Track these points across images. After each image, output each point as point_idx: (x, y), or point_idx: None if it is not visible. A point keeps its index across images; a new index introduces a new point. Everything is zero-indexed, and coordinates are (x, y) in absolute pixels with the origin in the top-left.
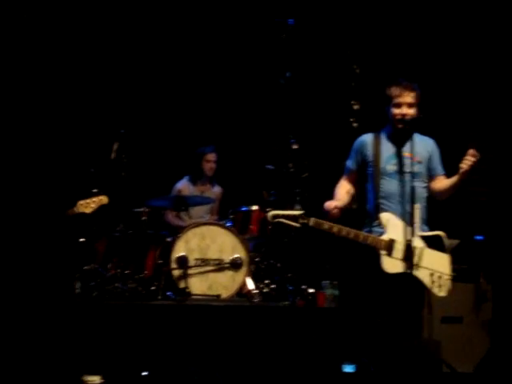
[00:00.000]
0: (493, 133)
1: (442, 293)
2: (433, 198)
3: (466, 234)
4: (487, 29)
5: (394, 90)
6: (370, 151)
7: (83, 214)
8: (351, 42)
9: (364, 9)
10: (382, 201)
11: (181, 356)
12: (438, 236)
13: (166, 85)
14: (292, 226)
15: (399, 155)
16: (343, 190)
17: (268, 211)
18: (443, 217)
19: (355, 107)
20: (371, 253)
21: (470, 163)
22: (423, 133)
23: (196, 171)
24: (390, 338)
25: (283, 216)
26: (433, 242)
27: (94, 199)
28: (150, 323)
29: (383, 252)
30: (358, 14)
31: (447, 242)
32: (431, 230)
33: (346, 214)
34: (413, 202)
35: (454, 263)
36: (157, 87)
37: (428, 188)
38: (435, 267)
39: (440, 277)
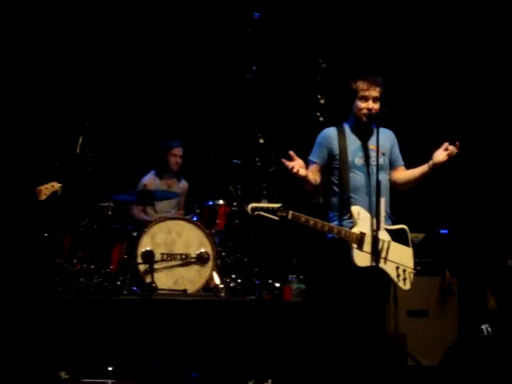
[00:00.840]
0: (457, 125)
1: (406, 286)
2: (393, 189)
3: (431, 227)
4: (450, 21)
5: (361, 84)
6: (335, 145)
7: (37, 201)
8: (317, 36)
9: (330, 2)
10: (351, 194)
11: (147, 351)
12: (402, 229)
13: (131, 78)
14: (271, 218)
15: (365, 148)
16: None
17: (241, 204)
18: (408, 211)
19: (321, 101)
20: (341, 247)
21: (451, 155)
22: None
23: (162, 165)
24: (355, 332)
25: (262, 209)
26: (398, 235)
27: (46, 186)
28: (115, 318)
29: (354, 245)
30: (324, 8)
31: (412, 235)
32: (397, 223)
33: (312, 208)
34: (378, 194)
35: (420, 257)
36: (122, 81)
37: (390, 180)
38: (400, 260)
39: (405, 270)
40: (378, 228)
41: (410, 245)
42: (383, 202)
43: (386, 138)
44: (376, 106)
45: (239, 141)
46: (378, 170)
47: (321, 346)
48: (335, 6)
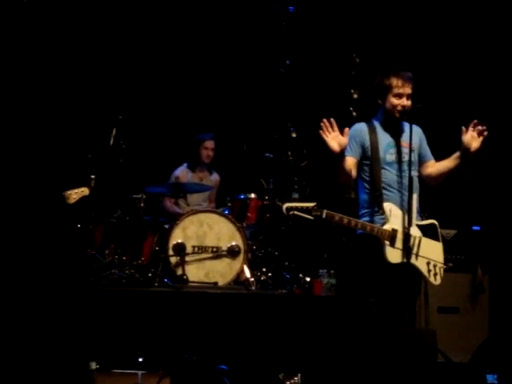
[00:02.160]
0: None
1: (437, 281)
2: (425, 184)
3: (463, 224)
4: (485, 22)
5: (395, 81)
6: (367, 140)
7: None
8: (351, 30)
9: None
10: (383, 191)
11: (177, 342)
12: (433, 224)
13: (166, 71)
14: (306, 218)
15: (397, 145)
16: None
17: (271, 205)
18: (440, 207)
19: (354, 96)
20: (373, 243)
21: (483, 136)
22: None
23: (194, 158)
24: (385, 327)
25: (297, 208)
26: (428, 231)
27: (75, 191)
28: (146, 310)
29: (387, 242)
30: (358, 3)
31: (444, 232)
32: (429, 219)
33: (342, 203)
34: (411, 191)
35: (452, 253)
36: (156, 74)
37: (420, 175)
38: (431, 256)
39: (435, 265)
40: (410, 224)
41: (441, 240)
42: (415, 198)
43: (415, 134)
44: (409, 102)
45: (272, 135)
46: (410, 166)
47: (351, 340)
48: (370, 1)
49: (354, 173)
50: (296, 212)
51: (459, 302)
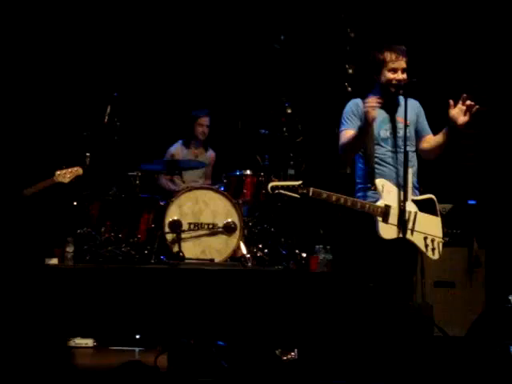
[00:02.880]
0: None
1: (435, 256)
2: (422, 159)
3: (459, 198)
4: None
5: (389, 55)
6: (362, 116)
7: (61, 183)
8: (345, 5)
9: None
10: (376, 166)
11: (173, 319)
12: (430, 199)
13: (159, 48)
14: (291, 196)
15: (392, 120)
16: None
17: (266, 182)
18: (436, 181)
19: (349, 71)
20: (367, 219)
21: (472, 111)
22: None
23: (189, 135)
24: (382, 302)
25: (282, 187)
26: (425, 206)
27: (70, 170)
28: (143, 287)
29: (379, 218)
30: None
31: (440, 206)
32: (424, 194)
33: (337, 179)
34: (406, 166)
35: (447, 228)
36: (150, 51)
37: (417, 150)
38: (428, 231)
39: (433, 240)
40: (406, 199)
41: (439, 214)
42: (410, 173)
43: (411, 109)
44: (404, 76)
45: (267, 111)
46: (405, 141)
47: (347, 316)
48: None
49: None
50: (281, 191)
51: (455, 276)
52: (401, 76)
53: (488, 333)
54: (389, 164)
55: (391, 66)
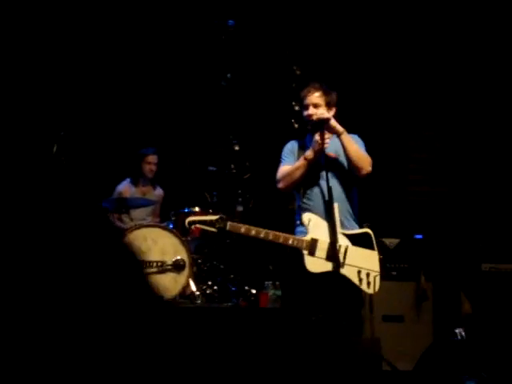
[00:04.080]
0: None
1: (370, 290)
2: (365, 193)
3: (406, 232)
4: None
5: (303, 92)
6: (296, 155)
7: None
8: (291, 42)
9: (303, 10)
10: (305, 201)
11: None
12: (365, 233)
13: (105, 85)
14: (209, 231)
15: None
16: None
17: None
18: (383, 216)
19: (296, 108)
20: (296, 253)
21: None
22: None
23: (137, 173)
24: (329, 337)
25: (200, 222)
26: (360, 240)
27: None
28: None
29: (305, 252)
30: (298, 15)
31: (387, 240)
32: (371, 228)
33: (285, 215)
34: (331, 200)
35: (395, 262)
36: (96, 88)
37: (352, 181)
38: (362, 264)
39: (368, 274)
40: (334, 233)
41: (375, 248)
42: (336, 207)
43: (334, 142)
44: (315, 111)
45: (215, 148)
46: (331, 175)
47: (296, 352)
48: (310, 13)
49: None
50: (198, 225)
51: (404, 310)
52: (310, 111)
53: (436, 366)
54: (317, 198)
55: (304, 102)
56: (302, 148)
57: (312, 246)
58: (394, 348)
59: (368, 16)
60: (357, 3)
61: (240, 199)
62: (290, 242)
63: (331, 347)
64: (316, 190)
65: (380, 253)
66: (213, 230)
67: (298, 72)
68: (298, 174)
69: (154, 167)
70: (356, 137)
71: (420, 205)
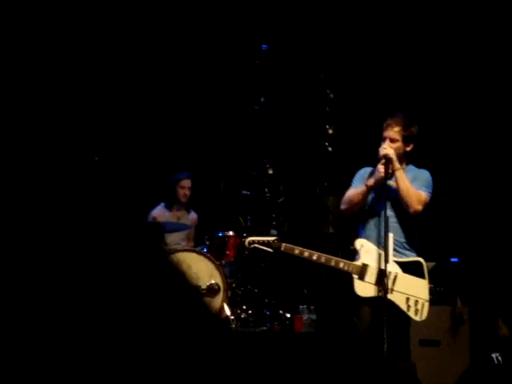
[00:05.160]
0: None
1: (418, 317)
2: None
3: (442, 256)
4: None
5: (384, 122)
6: (365, 181)
7: None
8: (325, 66)
9: (337, 34)
10: (364, 228)
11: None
12: (417, 261)
13: (140, 110)
14: (266, 251)
15: (384, 185)
16: None
17: (245, 237)
18: (419, 240)
19: (329, 131)
20: (346, 277)
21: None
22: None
23: (171, 197)
24: (366, 362)
25: (258, 242)
26: (410, 268)
27: None
28: None
29: (355, 276)
30: (332, 39)
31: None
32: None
33: (320, 239)
34: (386, 230)
35: (431, 286)
36: (132, 113)
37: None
38: (411, 292)
39: (417, 301)
40: (387, 261)
41: (426, 277)
42: (391, 237)
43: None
44: (390, 145)
45: (248, 172)
46: (385, 205)
47: (331, 377)
48: (343, 37)
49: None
50: (256, 245)
51: (440, 334)
52: (384, 145)
53: None
54: (373, 226)
55: (382, 134)
56: (372, 175)
57: (362, 270)
58: (431, 372)
59: (399, 39)
60: (390, 23)
61: (274, 223)
62: (341, 265)
63: (368, 372)
64: (375, 218)
65: (430, 282)
66: (269, 250)
67: (331, 95)
68: (358, 198)
69: (187, 192)
70: (423, 173)
71: (456, 227)
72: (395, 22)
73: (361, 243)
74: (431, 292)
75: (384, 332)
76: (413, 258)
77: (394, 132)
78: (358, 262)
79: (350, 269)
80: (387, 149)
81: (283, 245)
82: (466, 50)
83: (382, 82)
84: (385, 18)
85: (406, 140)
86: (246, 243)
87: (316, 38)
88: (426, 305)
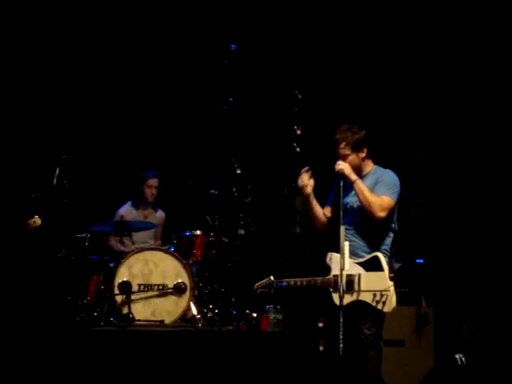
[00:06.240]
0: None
1: (386, 309)
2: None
3: (407, 257)
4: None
5: (332, 138)
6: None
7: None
8: (293, 67)
9: (305, 34)
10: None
11: (124, 382)
12: (374, 257)
13: (107, 109)
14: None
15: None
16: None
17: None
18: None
19: (298, 132)
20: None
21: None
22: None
23: (138, 196)
24: (330, 361)
25: (261, 286)
26: (370, 265)
27: (33, 219)
28: (92, 349)
29: (330, 289)
30: (299, 40)
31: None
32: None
33: (286, 238)
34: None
35: (396, 286)
36: (98, 112)
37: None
38: (375, 287)
39: (381, 294)
40: (343, 267)
41: (384, 268)
42: (347, 244)
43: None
44: (347, 160)
45: (216, 171)
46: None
47: (297, 376)
48: (311, 37)
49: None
50: (261, 289)
51: (405, 334)
52: (337, 163)
53: None
54: (337, 238)
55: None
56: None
57: (335, 282)
58: (395, 372)
59: (371, 36)
60: (356, 23)
61: (241, 223)
62: (319, 282)
63: (331, 370)
64: (339, 229)
65: (391, 271)
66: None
67: (299, 96)
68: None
69: (154, 191)
70: (387, 175)
71: (421, 229)
72: (362, 19)
73: (329, 257)
74: (397, 293)
75: (339, 334)
76: (369, 255)
77: (341, 149)
78: (330, 275)
79: (326, 283)
80: (340, 164)
81: (273, 282)
82: (438, 46)
83: (350, 83)
84: (351, 16)
85: (355, 149)
86: (256, 291)
87: (285, 39)
88: (389, 294)
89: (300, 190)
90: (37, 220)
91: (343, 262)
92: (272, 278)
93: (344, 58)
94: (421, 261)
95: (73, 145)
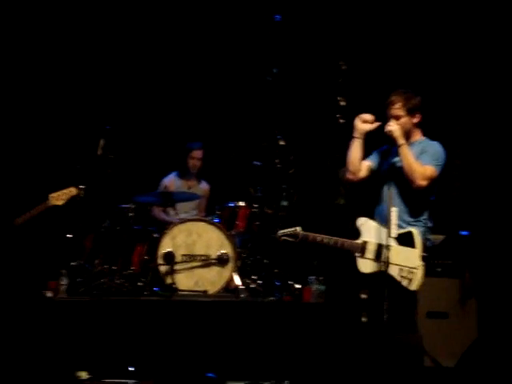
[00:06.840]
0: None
1: (411, 287)
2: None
3: (451, 229)
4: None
5: (386, 100)
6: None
7: (56, 206)
8: (338, 38)
9: (351, 5)
10: (377, 203)
11: (167, 351)
12: (409, 232)
13: (153, 80)
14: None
15: (392, 161)
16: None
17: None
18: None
19: (342, 103)
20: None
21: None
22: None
23: (183, 167)
24: (372, 333)
25: (285, 234)
26: (404, 239)
27: (64, 191)
28: (136, 319)
29: (357, 254)
30: (345, 11)
31: (432, 237)
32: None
33: (330, 210)
34: (390, 205)
35: (440, 258)
36: (144, 83)
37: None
38: (403, 262)
39: (409, 271)
40: (387, 235)
41: (416, 246)
42: (394, 210)
43: (413, 148)
44: (398, 122)
45: (260, 143)
46: (393, 179)
47: (339, 347)
48: (356, 9)
49: (361, 173)
50: (284, 237)
51: (448, 306)
52: (389, 124)
53: (478, 363)
54: (382, 204)
55: (386, 113)
56: (389, 151)
57: (362, 248)
58: (438, 344)
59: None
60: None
61: (284, 194)
62: (345, 245)
63: (374, 343)
64: (382, 194)
65: (424, 250)
66: (293, 240)
67: (344, 67)
68: (349, 155)
69: (197, 162)
70: (433, 146)
71: (466, 201)
72: None
73: (361, 222)
74: (440, 265)
75: (384, 304)
76: (405, 229)
77: (395, 109)
78: (359, 240)
79: (352, 247)
80: (391, 125)
81: (300, 234)
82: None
83: (395, 55)
84: None
85: (410, 112)
86: (279, 238)
87: (330, 8)
88: (419, 273)
89: (356, 126)
90: (72, 190)
91: (390, 226)
92: (299, 228)
93: (389, 29)
94: (465, 233)
95: (117, 115)
